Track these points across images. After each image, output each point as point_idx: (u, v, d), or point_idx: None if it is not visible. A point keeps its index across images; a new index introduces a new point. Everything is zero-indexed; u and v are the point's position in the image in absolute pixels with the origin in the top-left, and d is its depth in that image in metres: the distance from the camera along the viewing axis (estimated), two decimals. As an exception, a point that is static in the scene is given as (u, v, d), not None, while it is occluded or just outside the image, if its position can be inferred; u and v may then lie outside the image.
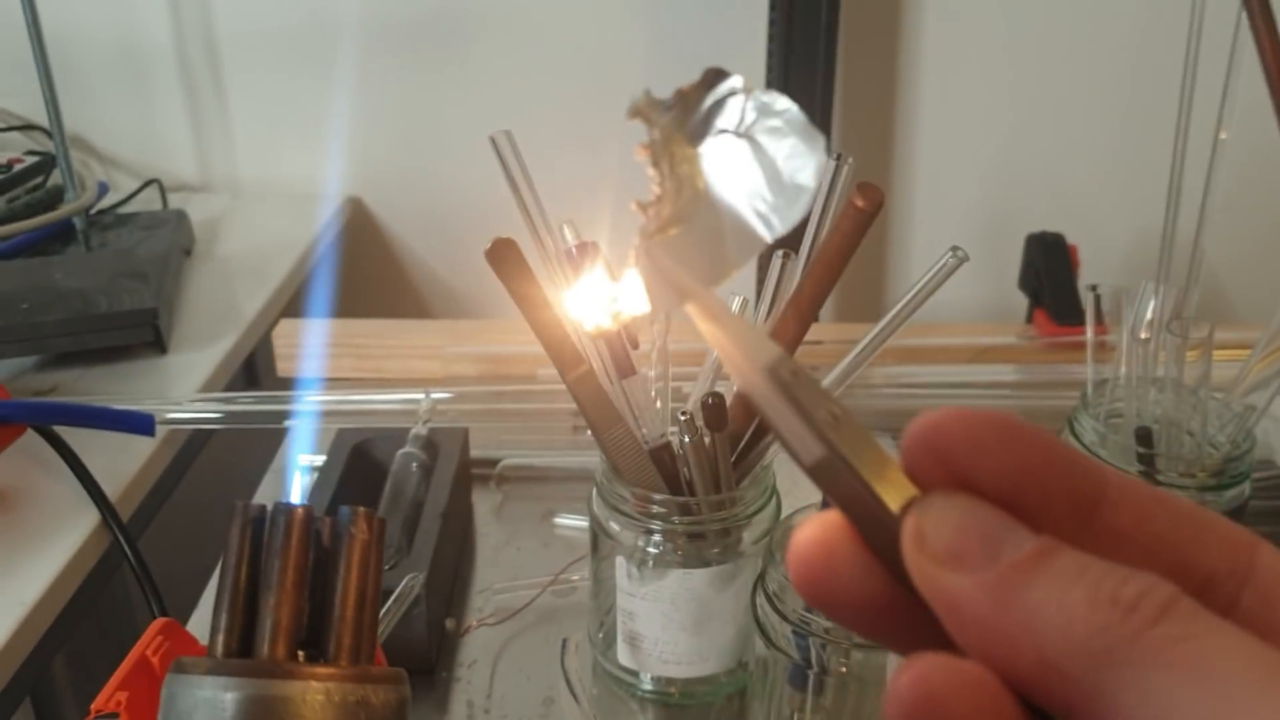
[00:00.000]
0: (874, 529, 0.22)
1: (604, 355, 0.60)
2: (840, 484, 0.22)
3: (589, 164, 1.24)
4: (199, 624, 0.69)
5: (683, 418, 0.58)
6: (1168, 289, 0.64)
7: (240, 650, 0.32)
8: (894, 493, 0.22)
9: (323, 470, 0.74)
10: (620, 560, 0.62)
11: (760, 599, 0.56)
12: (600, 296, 0.25)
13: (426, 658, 0.66)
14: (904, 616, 0.23)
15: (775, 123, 0.27)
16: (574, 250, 0.59)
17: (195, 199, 1.28)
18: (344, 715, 0.31)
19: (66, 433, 0.78)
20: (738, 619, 0.62)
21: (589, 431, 0.85)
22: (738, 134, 0.27)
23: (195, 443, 0.91)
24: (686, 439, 0.58)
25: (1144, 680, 0.19)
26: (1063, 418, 0.68)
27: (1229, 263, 1.09)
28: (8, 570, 0.70)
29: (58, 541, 0.73)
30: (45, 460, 0.77)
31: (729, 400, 0.61)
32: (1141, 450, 0.63)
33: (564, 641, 0.61)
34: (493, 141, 0.56)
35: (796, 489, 0.75)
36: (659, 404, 0.63)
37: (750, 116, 0.27)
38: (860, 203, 0.55)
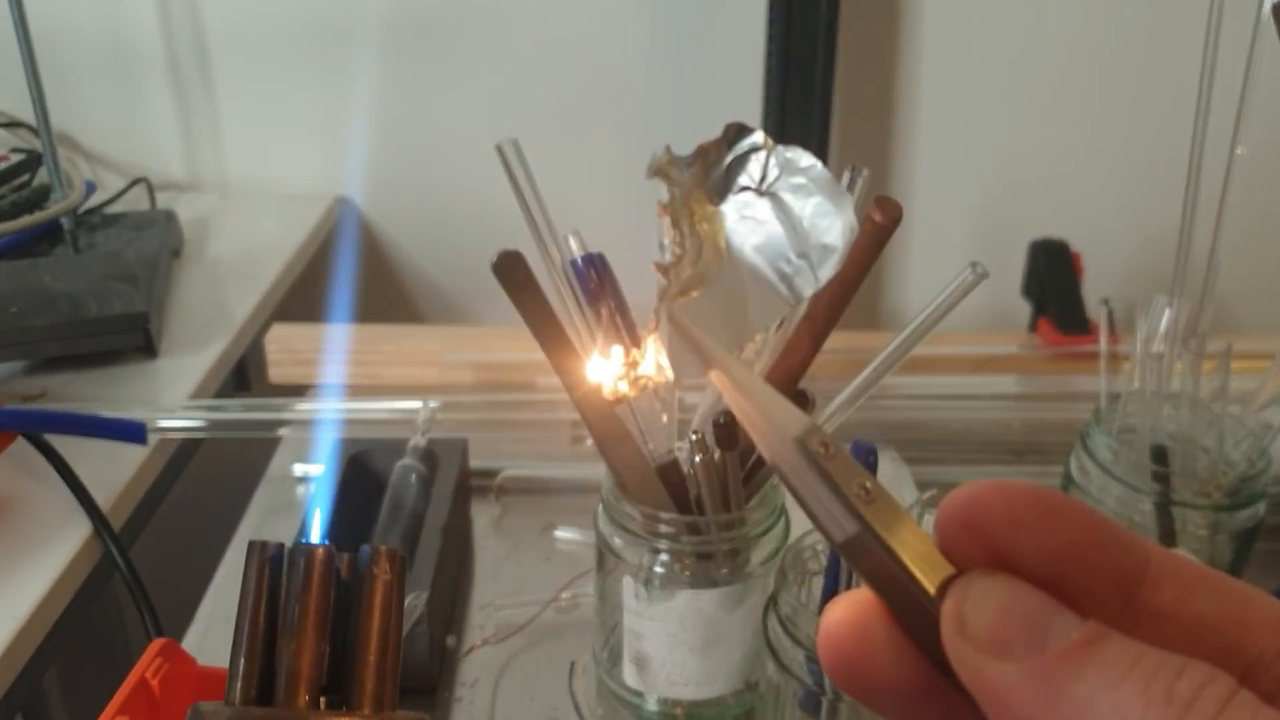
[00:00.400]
0: (910, 610, 0.22)
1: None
2: (874, 561, 0.22)
3: (584, 165, 1.23)
4: (194, 641, 0.68)
5: (694, 437, 0.57)
6: (1182, 302, 0.63)
7: (260, 696, 0.31)
8: (930, 571, 0.21)
9: (320, 483, 0.72)
10: (627, 580, 0.60)
11: (773, 622, 0.55)
12: (621, 364, 0.24)
13: (428, 677, 0.65)
14: (943, 703, 0.22)
15: (799, 180, 0.26)
16: (582, 264, 0.58)
17: (183, 198, 1.26)
18: (368, 766, 0.30)
19: (57, 441, 0.77)
20: (746, 640, 0.61)
21: (590, 442, 0.85)
22: (760, 191, 0.26)
23: (187, 450, 0.89)
24: (697, 458, 0.57)
25: None
26: (1068, 430, 0.67)
27: (1239, 273, 1.08)
28: (0, 582, 0.68)
29: (50, 553, 0.72)
30: (36, 469, 0.76)
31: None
32: (1156, 469, 0.62)
33: (572, 665, 0.60)
34: (499, 150, 0.54)
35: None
36: (665, 418, 0.62)
37: (773, 173, 0.26)
38: (878, 217, 0.53)
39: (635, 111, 1.21)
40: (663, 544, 0.59)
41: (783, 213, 0.26)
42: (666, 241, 0.59)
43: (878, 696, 0.22)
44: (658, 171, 0.27)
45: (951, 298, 0.54)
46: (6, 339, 0.88)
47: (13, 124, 1.22)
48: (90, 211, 1.14)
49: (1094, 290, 0.94)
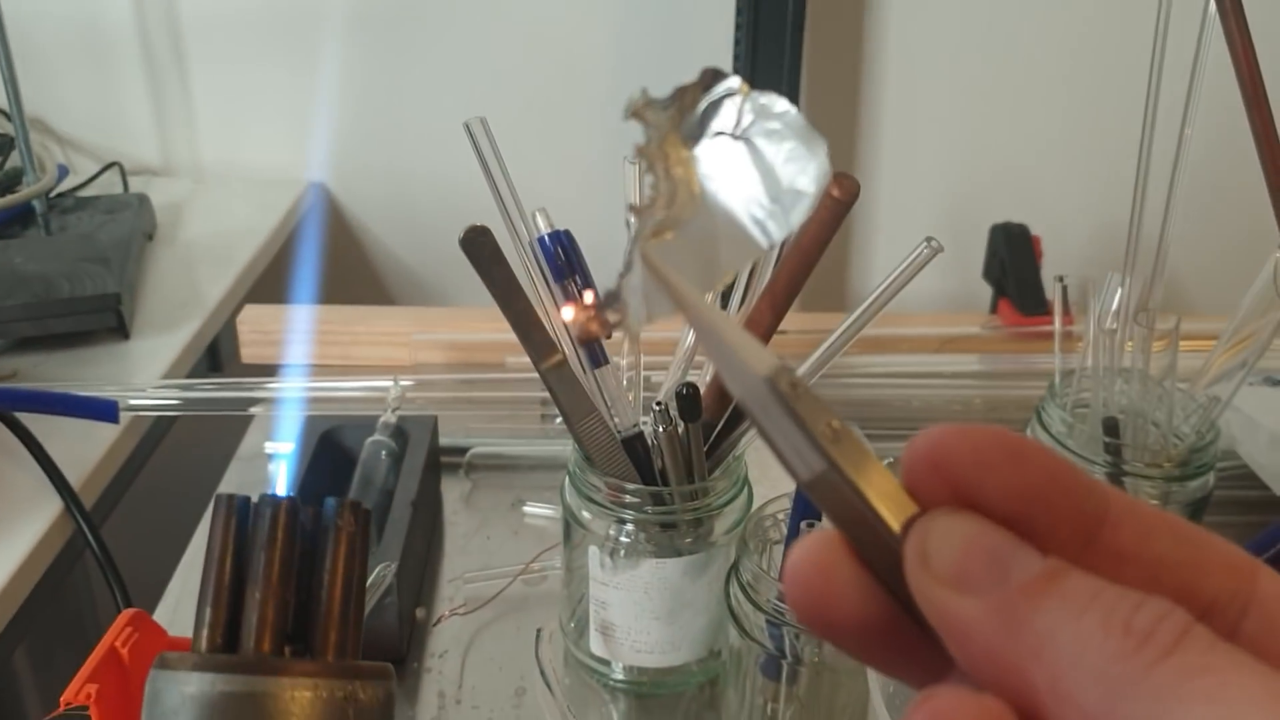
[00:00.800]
0: (874, 548, 0.22)
1: (576, 345, 0.60)
2: (839, 500, 0.22)
3: (557, 149, 1.24)
4: (165, 614, 0.69)
5: (657, 408, 0.58)
6: (1133, 281, 0.65)
7: (225, 645, 0.32)
8: (895, 510, 0.21)
9: (291, 460, 0.73)
10: (593, 550, 0.62)
11: (734, 589, 0.57)
12: (590, 302, 0.25)
13: (397, 648, 0.66)
14: (904, 640, 0.22)
15: (774, 125, 0.26)
16: (549, 241, 0.59)
17: (157, 183, 1.26)
18: (332, 711, 0.31)
19: (29, 419, 0.78)
20: (710, 608, 0.62)
21: (559, 420, 0.86)
22: (735, 136, 0.27)
23: (159, 429, 0.90)
24: (660, 429, 0.58)
25: (1161, 713, 0.18)
26: (1027, 408, 0.69)
27: (1190, 256, 1.10)
28: (-30, 560, 0.69)
29: (20, 530, 0.73)
30: (7, 447, 0.76)
31: (702, 390, 0.61)
32: (1108, 440, 0.64)
33: (538, 632, 0.61)
34: (467, 128, 0.55)
35: (766, 478, 0.75)
36: (631, 394, 0.63)
37: (748, 118, 0.27)
38: (836, 192, 0.55)
39: (604, 94, 1.22)
40: (628, 514, 0.60)
41: (757, 157, 0.27)
42: (630, 185, 0.60)
43: (841, 633, 0.22)
44: (634, 113, 0.27)
45: (908, 272, 0.55)
46: (-22, 319, 0.89)
47: (-16, 108, 1.22)
48: (63, 195, 1.14)
49: (1053, 273, 0.96)
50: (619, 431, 0.61)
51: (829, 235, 0.56)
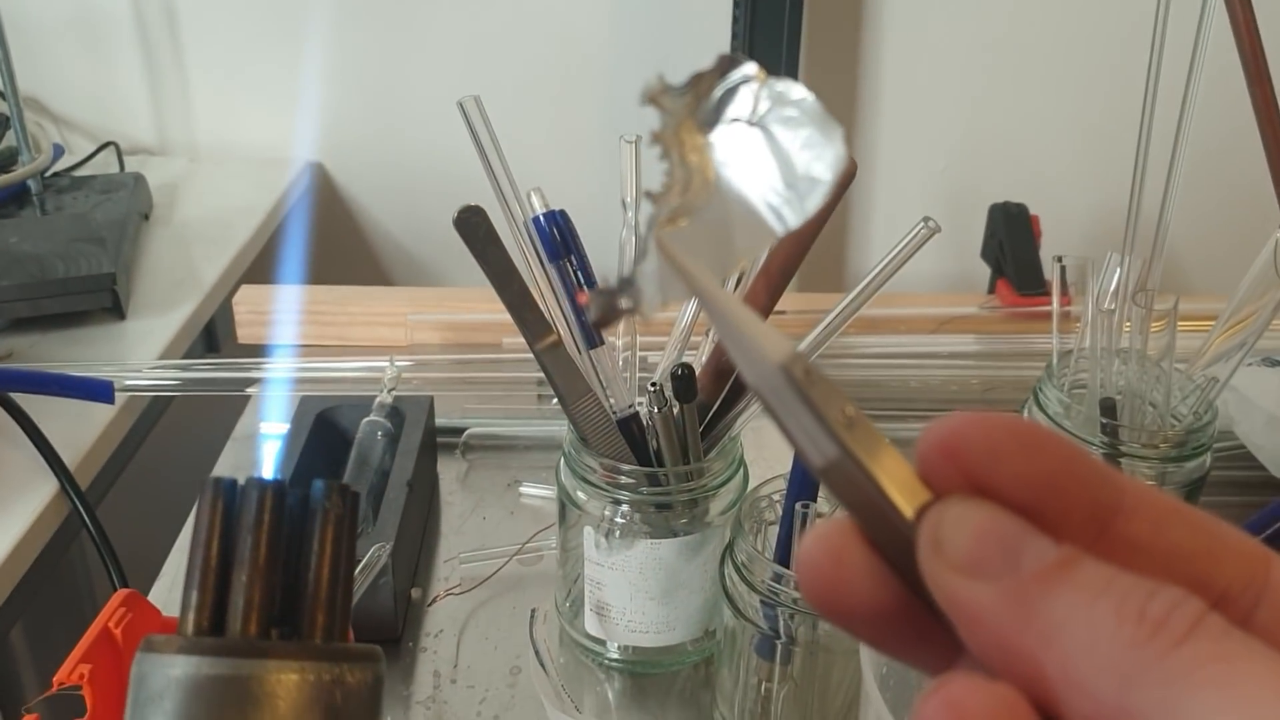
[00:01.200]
0: (887, 535, 0.22)
1: (572, 326, 0.60)
2: (852, 486, 0.22)
3: (552, 129, 1.23)
4: (160, 594, 0.69)
5: (652, 389, 0.58)
6: (1132, 260, 0.64)
7: (212, 628, 0.32)
8: (909, 497, 0.21)
9: (287, 439, 0.73)
10: (588, 530, 0.62)
11: (729, 569, 0.57)
12: (606, 290, 0.24)
13: (392, 628, 0.65)
14: (917, 627, 0.22)
15: (790, 112, 0.26)
16: (544, 221, 0.59)
17: (152, 163, 1.25)
18: (319, 694, 0.31)
19: (24, 400, 0.77)
20: (705, 589, 0.62)
21: (555, 401, 0.85)
22: (750, 123, 0.26)
23: (155, 410, 0.90)
24: (655, 410, 0.58)
25: (1174, 701, 0.18)
26: (1025, 388, 0.68)
27: (1187, 236, 1.10)
28: (-35, 540, 0.69)
29: (15, 510, 0.73)
30: (1, 428, 0.76)
31: (698, 371, 0.61)
32: (1105, 421, 0.64)
33: (532, 611, 0.61)
34: (460, 107, 0.55)
35: (762, 460, 0.75)
36: (627, 375, 0.63)
37: (764, 105, 0.26)
38: (831, 174, 0.54)
39: (601, 73, 1.21)
40: (623, 495, 0.60)
41: (772, 143, 0.26)
42: (627, 164, 0.60)
43: (853, 620, 0.22)
44: (650, 98, 0.27)
45: (905, 251, 0.55)
46: (-27, 300, 0.89)
47: (-22, 87, 1.21)
48: (58, 175, 1.14)
49: (1051, 252, 0.95)
50: (614, 412, 0.61)
51: (826, 215, 0.56)
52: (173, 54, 1.25)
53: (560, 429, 0.63)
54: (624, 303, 0.24)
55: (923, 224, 0.53)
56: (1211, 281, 1.20)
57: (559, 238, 0.59)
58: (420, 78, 1.24)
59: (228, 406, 0.87)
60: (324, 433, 0.75)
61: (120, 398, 0.82)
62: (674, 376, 0.57)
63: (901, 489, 0.21)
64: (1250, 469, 0.76)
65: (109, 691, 0.53)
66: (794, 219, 0.25)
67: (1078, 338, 0.67)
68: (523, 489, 0.79)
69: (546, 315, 0.59)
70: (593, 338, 0.60)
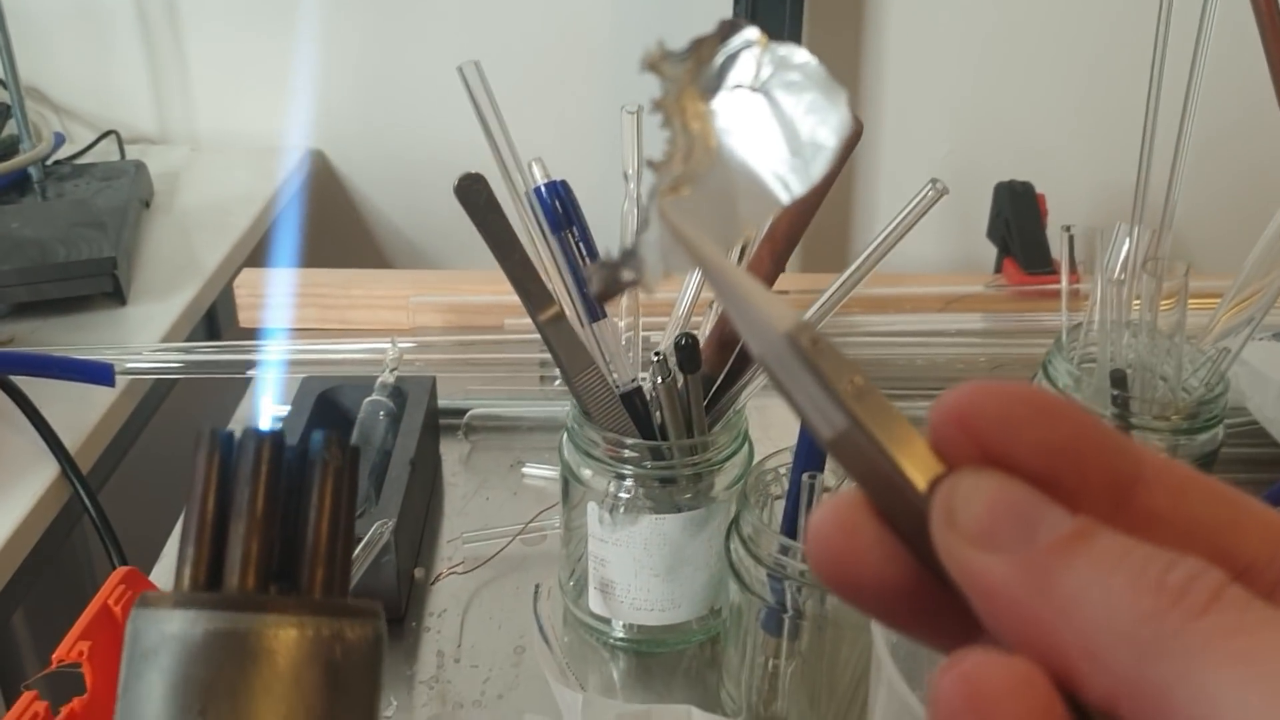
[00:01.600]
0: (898, 507, 0.21)
1: (574, 298, 0.59)
2: (862, 459, 0.21)
3: (553, 115, 1.23)
4: (161, 575, 0.68)
5: (656, 358, 0.57)
6: (1142, 230, 0.64)
7: (208, 584, 0.31)
8: (921, 469, 0.21)
9: (288, 419, 0.72)
10: (592, 506, 0.61)
11: (734, 543, 0.56)
12: (609, 262, 0.24)
13: (396, 607, 0.65)
14: (929, 602, 0.21)
15: (793, 76, 0.26)
16: (545, 191, 0.58)
17: (153, 151, 1.25)
18: (318, 649, 0.30)
19: (24, 383, 0.77)
20: (710, 565, 0.62)
21: (558, 380, 0.85)
22: (753, 89, 0.26)
23: (157, 394, 0.89)
24: (659, 380, 0.58)
25: (1194, 674, 0.18)
26: (1032, 365, 0.68)
27: (1191, 216, 1.09)
28: (-35, 523, 0.69)
29: (16, 494, 0.72)
30: (2, 410, 0.75)
31: (702, 342, 0.60)
32: (1116, 393, 0.63)
33: (536, 587, 0.60)
34: (460, 72, 0.54)
35: (767, 440, 0.75)
36: (630, 354, 0.62)
37: (766, 70, 0.26)
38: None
39: (601, 45, 1.20)
40: (627, 469, 0.60)
41: (776, 109, 0.26)
42: (628, 135, 0.59)
43: (863, 595, 0.22)
44: (650, 65, 0.26)
45: (914, 213, 0.54)
46: (-28, 285, 0.88)
47: (-22, 76, 1.21)
48: (59, 163, 1.13)
49: (1058, 234, 0.95)
50: (617, 387, 0.60)
51: (831, 180, 0.55)
52: (173, 43, 1.25)
53: (563, 409, 0.62)
54: (627, 275, 0.24)
55: (930, 185, 0.52)
56: (1211, 259, 1.19)
57: (560, 209, 0.59)
58: (419, 65, 1.23)
59: (229, 390, 0.86)
60: (326, 413, 0.75)
61: (121, 381, 0.81)
62: (678, 346, 0.56)
63: (913, 460, 0.21)
64: (1263, 445, 0.75)
65: (108, 668, 0.52)
66: (799, 186, 0.25)
67: (1086, 312, 0.66)
68: (526, 470, 0.78)
69: (548, 286, 0.58)
70: (595, 311, 0.60)
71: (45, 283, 0.90)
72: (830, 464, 0.55)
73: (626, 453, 0.59)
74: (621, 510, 0.60)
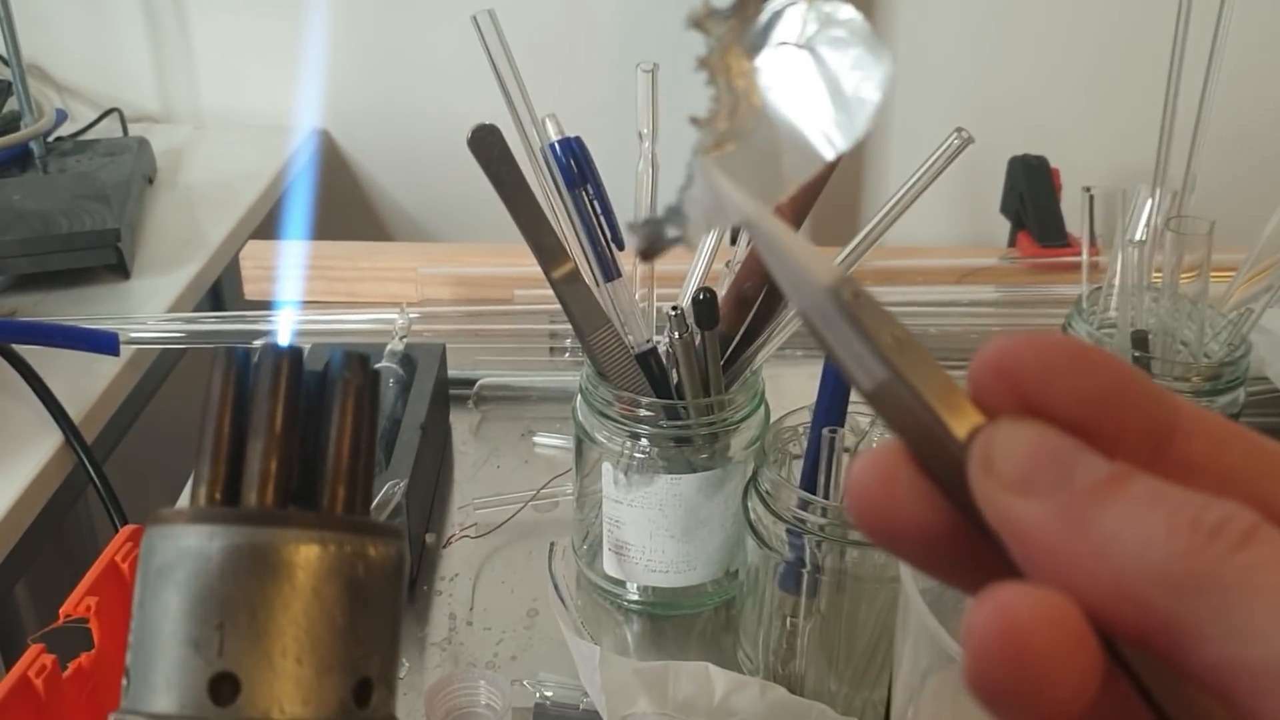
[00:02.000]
0: (937, 456, 0.21)
1: (589, 257, 0.58)
2: (902, 409, 0.21)
3: (563, 93, 1.22)
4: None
5: (673, 312, 0.56)
6: (1164, 191, 0.63)
7: (225, 503, 0.30)
8: (960, 419, 0.21)
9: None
10: (606, 467, 0.60)
11: (753, 500, 0.55)
12: (652, 219, 0.24)
13: (407, 571, 0.64)
14: (967, 549, 0.22)
15: (838, 33, 0.26)
16: (560, 149, 0.57)
17: (157, 129, 1.24)
18: (340, 565, 0.29)
19: (28, 353, 0.76)
20: (726, 526, 0.61)
21: (568, 354, 0.84)
22: (798, 45, 0.26)
23: (163, 366, 0.89)
24: (676, 336, 0.57)
25: (1228, 609, 0.18)
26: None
27: (1205, 185, 1.08)
28: (-33, 491, 0.68)
29: (20, 463, 0.71)
30: (6, 380, 0.75)
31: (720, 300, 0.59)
32: (1138, 354, 0.62)
33: (551, 545, 0.59)
34: (474, 21, 0.53)
35: (781, 406, 0.74)
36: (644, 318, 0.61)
37: (811, 27, 0.26)
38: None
39: (611, 39, 1.20)
40: (642, 429, 0.59)
41: (820, 66, 0.26)
42: (642, 93, 0.58)
43: (903, 543, 0.22)
44: (695, 23, 0.26)
45: (938, 163, 0.54)
46: (-26, 255, 0.87)
47: (-19, 53, 1.20)
48: (61, 139, 1.12)
49: (1071, 208, 0.94)
50: (633, 348, 0.59)
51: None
52: (177, 20, 1.24)
53: (573, 379, 0.61)
54: (671, 231, 0.24)
55: (955, 134, 0.52)
56: (1230, 235, 1.19)
57: (575, 166, 0.58)
58: (426, 44, 1.22)
59: (235, 362, 0.85)
60: (334, 381, 0.74)
61: (126, 352, 0.80)
62: (695, 301, 0.56)
63: (952, 410, 0.21)
64: (1282, 414, 0.75)
65: (115, 624, 0.51)
66: (844, 141, 0.25)
67: (1107, 277, 0.65)
68: (537, 439, 0.77)
69: (562, 241, 0.57)
70: (610, 269, 0.59)
71: (48, 254, 0.89)
72: (849, 423, 0.54)
73: (642, 411, 0.58)
74: (636, 470, 0.59)
